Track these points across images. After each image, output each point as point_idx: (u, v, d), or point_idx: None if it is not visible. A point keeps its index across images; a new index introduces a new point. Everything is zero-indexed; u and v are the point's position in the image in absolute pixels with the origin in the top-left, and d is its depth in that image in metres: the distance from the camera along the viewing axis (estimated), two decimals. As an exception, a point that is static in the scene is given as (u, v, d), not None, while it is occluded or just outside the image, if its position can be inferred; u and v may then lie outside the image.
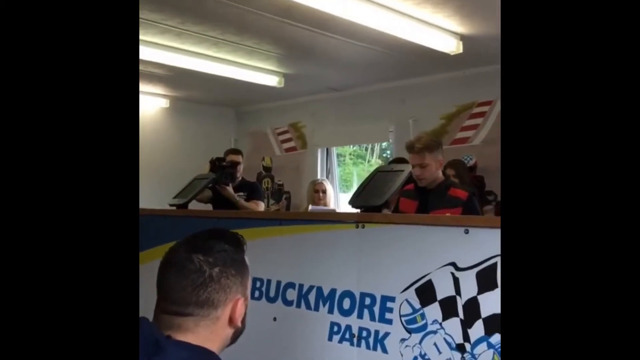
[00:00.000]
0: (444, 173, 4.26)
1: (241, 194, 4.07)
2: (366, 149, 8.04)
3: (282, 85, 5.17)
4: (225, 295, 1.15)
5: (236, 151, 4.28)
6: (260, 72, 4.94)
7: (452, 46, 3.80)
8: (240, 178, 4.16)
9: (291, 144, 6.42)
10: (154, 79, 5.30)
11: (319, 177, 5.86)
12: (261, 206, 4.10)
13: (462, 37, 3.79)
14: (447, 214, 2.69)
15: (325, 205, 4.50)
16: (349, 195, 2.85)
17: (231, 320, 1.17)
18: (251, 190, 4.14)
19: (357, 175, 7.78)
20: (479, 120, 4.79)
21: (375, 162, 8.08)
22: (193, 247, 1.17)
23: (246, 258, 1.24)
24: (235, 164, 4.05)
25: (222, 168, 3.88)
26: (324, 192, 4.43)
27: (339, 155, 6.53)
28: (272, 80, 5.11)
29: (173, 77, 5.21)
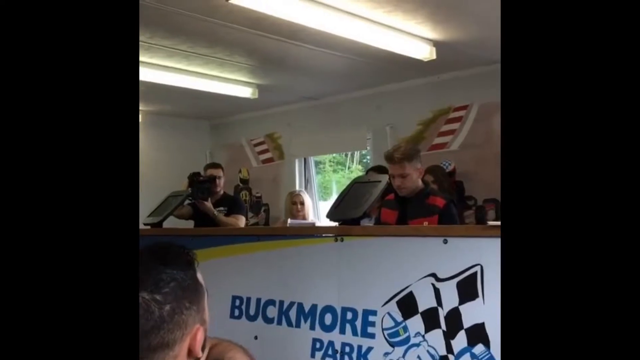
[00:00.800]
0: (423, 180, 4.32)
1: (221, 208, 4.05)
2: (346, 155, 8.07)
3: (256, 96, 5.17)
4: (181, 332, 1.01)
5: (215, 165, 4.27)
6: (234, 84, 4.94)
7: (425, 52, 3.85)
8: (221, 192, 4.15)
9: (268, 155, 6.42)
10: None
11: (297, 187, 5.86)
12: (242, 221, 4.06)
13: (435, 43, 3.83)
14: (425, 223, 2.72)
15: (304, 216, 4.50)
16: (329, 203, 2.86)
17: (190, 353, 1.04)
18: (232, 205, 4.12)
19: (337, 182, 7.80)
20: (455, 125, 4.85)
21: (356, 169, 8.11)
22: None
23: (199, 275, 1.08)
24: (213, 179, 4.03)
25: (198, 183, 3.86)
26: (302, 203, 4.42)
27: (318, 162, 6.54)
28: (246, 92, 5.12)
29: (144, 92, 5.18)
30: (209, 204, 3.88)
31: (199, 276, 1.09)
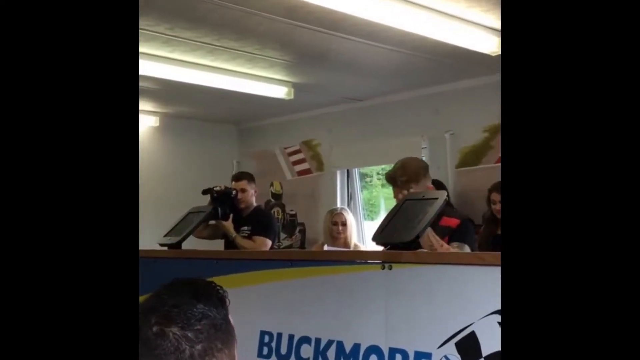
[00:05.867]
0: (489, 199, 4.27)
1: (245, 228, 4.08)
2: (397, 168, 8.00)
3: (292, 96, 5.21)
4: None
5: (238, 176, 4.32)
6: (265, 82, 5.00)
7: (492, 45, 3.82)
8: (251, 208, 4.21)
9: (305, 166, 6.45)
10: (140, 93, 5.38)
11: (338, 204, 5.86)
12: (265, 244, 4.05)
13: (505, 35, 3.80)
14: None
15: (346, 239, 4.49)
16: (376, 223, 2.85)
17: None
18: (256, 223, 4.15)
19: (387, 199, 7.76)
20: (529, 132, 4.78)
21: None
22: (165, 316, 1.05)
23: (230, 317, 1.14)
24: (229, 193, 4.05)
25: (215, 199, 3.92)
26: (344, 224, 4.42)
27: (364, 175, 6.53)
28: (280, 92, 5.16)
29: (162, 91, 5.29)
30: (228, 223, 3.92)
31: (231, 318, 1.13)
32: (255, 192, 4.31)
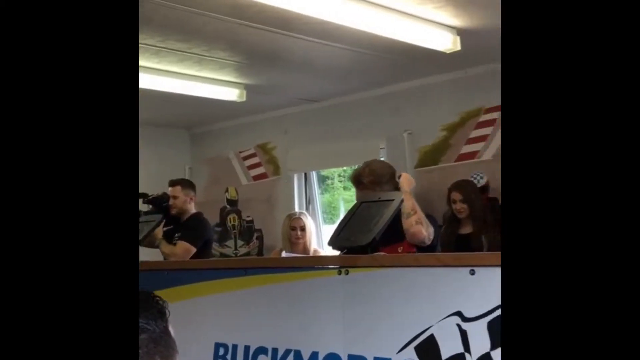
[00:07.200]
0: (449, 199, 4.32)
1: (177, 235, 4.14)
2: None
3: (244, 98, 5.20)
4: None
5: (171, 183, 4.39)
6: (216, 85, 4.98)
7: (447, 43, 3.87)
8: (187, 214, 4.26)
9: (260, 170, 6.44)
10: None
11: (296, 209, 5.86)
12: (186, 249, 4.06)
13: (460, 31, 3.86)
14: (400, 249, 2.71)
15: (305, 244, 4.50)
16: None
17: None
18: (185, 229, 4.21)
19: (348, 202, 7.78)
20: (488, 130, 4.86)
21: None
22: None
23: (171, 328, 1.14)
24: (164, 199, 4.13)
25: (150, 203, 4.00)
26: (303, 228, 4.42)
27: (325, 178, 6.54)
28: (231, 94, 5.15)
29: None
30: (158, 229, 3.96)
31: (171, 329, 1.13)
32: (191, 199, 4.35)
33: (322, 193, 6.43)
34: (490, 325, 1.88)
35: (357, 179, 2.90)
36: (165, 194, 4.20)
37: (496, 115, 4.82)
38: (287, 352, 2.32)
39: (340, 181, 8.04)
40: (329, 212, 6.61)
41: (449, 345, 1.95)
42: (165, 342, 1.10)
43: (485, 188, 4.48)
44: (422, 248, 2.77)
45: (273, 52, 4.28)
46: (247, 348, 2.45)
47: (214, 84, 4.96)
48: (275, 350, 2.36)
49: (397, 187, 2.95)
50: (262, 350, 2.40)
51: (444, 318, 1.96)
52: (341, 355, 2.18)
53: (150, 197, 4.08)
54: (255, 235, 6.20)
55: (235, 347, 2.48)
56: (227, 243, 5.80)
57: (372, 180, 2.84)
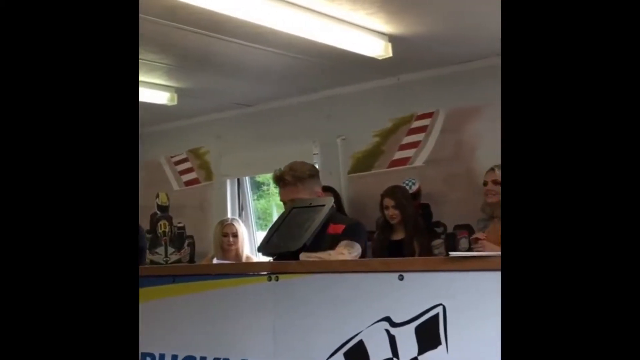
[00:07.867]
0: (382, 205, 4.36)
1: None
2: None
3: (175, 102, 5.15)
4: None
5: None
6: (146, 88, 4.89)
7: (379, 49, 3.92)
8: None
9: (192, 175, 6.36)
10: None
11: (229, 215, 5.83)
12: None
13: (391, 38, 3.91)
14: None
15: (237, 251, 4.48)
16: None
17: None
18: None
19: (279, 208, 7.77)
20: (419, 136, 4.94)
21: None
22: None
23: None
24: None
25: None
26: (235, 235, 4.41)
27: (260, 184, 6.51)
28: (162, 97, 5.09)
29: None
30: None
31: None
32: None
33: (257, 199, 6.40)
34: (418, 330, 1.90)
35: (280, 177, 2.90)
36: None
37: (427, 122, 4.91)
38: (216, 360, 2.30)
39: (276, 187, 8.04)
40: (264, 218, 6.58)
41: (377, 350, 1.97)
42: None
43: (417, 194, 4.54)
44: None
45: (204, 55, 4.24)
46: (174, 357, 2.42)
47: (143, 87, 4.87)
48: (203, 359, 2.34)
49: (318, 184, 2.96)
50: (189, 359, 2.38)
51: (373, 323, 1.98)
52: (271, 362, 2.17)
53: None
54: (187, 242, 6.11)
55: (162, 356, 2.44)
56: (158, 250, 5.69)
57: (293, 176, 2.85)
